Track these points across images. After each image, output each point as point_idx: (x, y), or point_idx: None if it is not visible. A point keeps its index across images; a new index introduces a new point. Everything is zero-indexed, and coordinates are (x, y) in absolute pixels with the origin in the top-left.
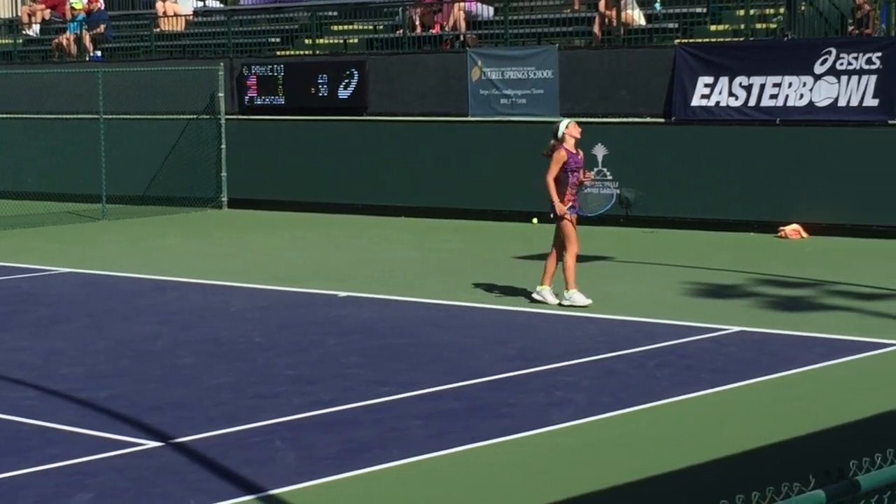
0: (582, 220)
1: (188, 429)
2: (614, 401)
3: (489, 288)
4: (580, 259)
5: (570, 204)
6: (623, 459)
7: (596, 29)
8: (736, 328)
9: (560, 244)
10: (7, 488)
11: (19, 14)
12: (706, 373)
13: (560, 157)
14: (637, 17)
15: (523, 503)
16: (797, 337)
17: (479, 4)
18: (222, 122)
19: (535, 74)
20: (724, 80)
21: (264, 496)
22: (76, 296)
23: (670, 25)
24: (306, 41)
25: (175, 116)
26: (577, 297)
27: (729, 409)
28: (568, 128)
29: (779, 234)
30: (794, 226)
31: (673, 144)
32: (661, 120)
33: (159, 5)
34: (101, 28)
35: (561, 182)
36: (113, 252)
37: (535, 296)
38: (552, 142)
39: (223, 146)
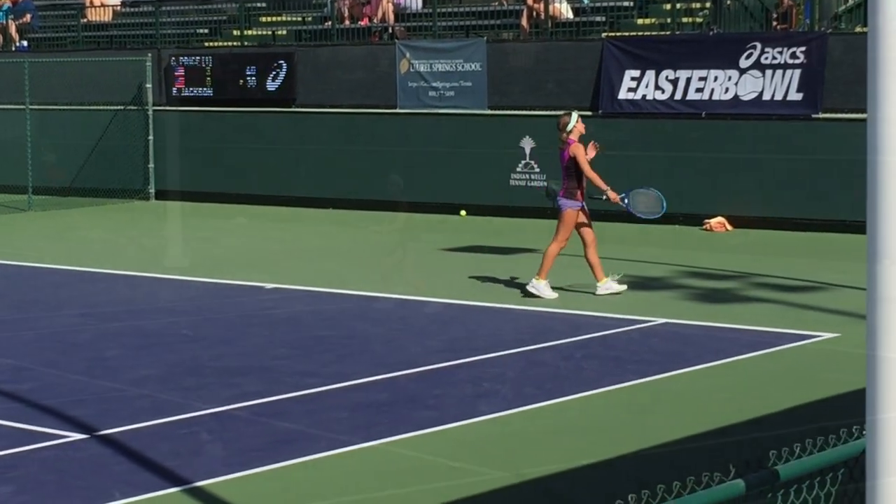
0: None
1: (113, 421)
2: (541, 392)
3: (417, 280)
4: (507, 252)
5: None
6: (549, 449)
7: (524, 22)
8: (661, 320)
9: (585, 234)
10: None
11: None
12: (632, 364)
13: (582, 148)
14: (565, 10)
15: (450, 493)
16: (721, 328)
17: None
18: (150, 113)
19: (463, 67)
20: (650, 74)
21: (190, 488)
22: (1, 287)
23: (597, 19)
24: (235, 32)
25: (102, 107)
26: (544, 289)
27: (653, 399)
28: (578, 122)
29: (704, 226)
30: (720, 218)
31: (599, 137)
32: (589, 113)
33: None
34: (28, 18)
35: (572, 176)
36: (39, 243)
37: (600, 291)
38: (563, 135)
39: (151, 137)
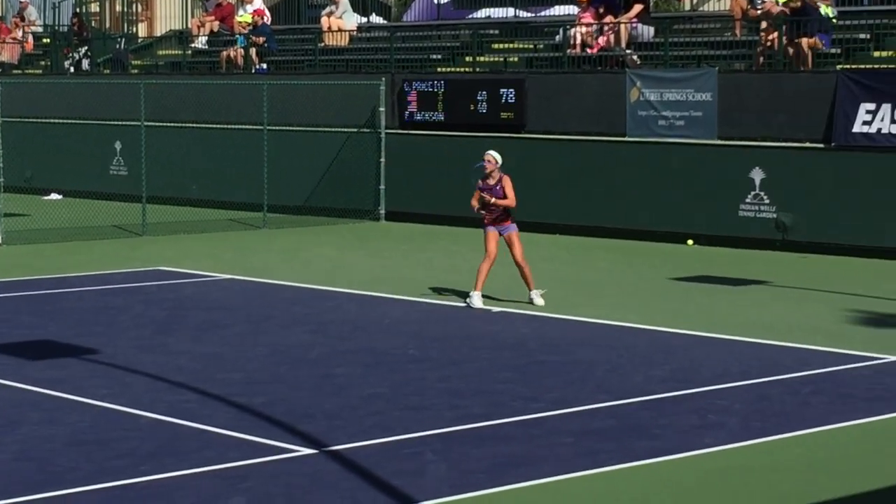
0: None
1: (341, 437)
2: (767, 426)
3: (643, 308)
4: (736, 283)
5: None
6: (775, 486)
7: (757, 53)
8: (894, 358)
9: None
10: (166, 488)
11: (189, 26)
12: (863, 402)
13: None
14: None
15: None
16: None
17: (640, 25)
18: (382, 135)
19: (693, 97)
20: (886, 107)
21: None
22: (236, 302)
23: (833, 51)
24: (467, 59)
25: (336, 129)
26: None
27: (885, 439)
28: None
29: None
30: None
31: (832, 170)
32: (821, 145)
33: (324, 20)
34: (261, 39)
35: None
36: (272, 260)
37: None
38: None
39: (382, 160)
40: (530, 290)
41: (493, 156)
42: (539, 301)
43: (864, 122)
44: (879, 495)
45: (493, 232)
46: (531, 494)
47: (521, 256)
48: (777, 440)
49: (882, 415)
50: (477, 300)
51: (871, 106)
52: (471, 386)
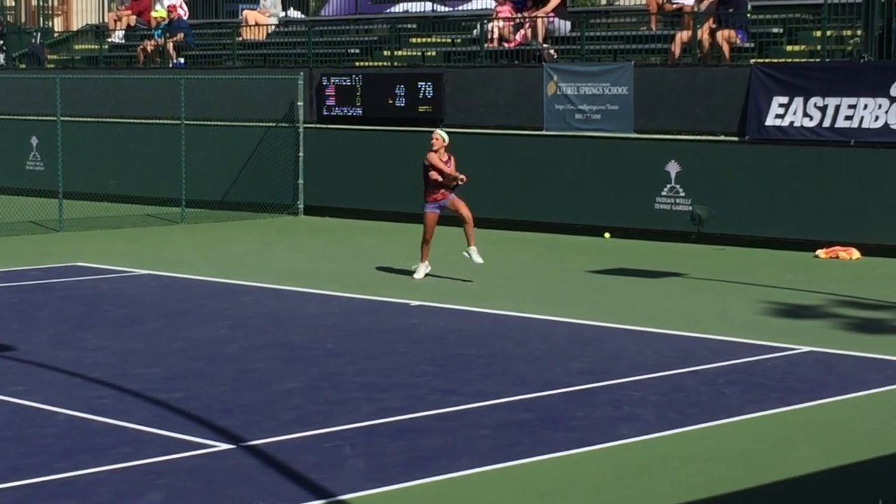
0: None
1: (259, 432)
2: (683, 417)
3: (560, 301)
4: (652, 275)
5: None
6: (691, 476)
7: (674, 47)
8: (806, 348)
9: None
10: (83, 485)
11: (105, 20)
12: (776, 392)
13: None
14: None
15: None
16: (868, 359)
17: (557, 19)
18: (301, 130)
19: (609, 90)
20: (798, 101)
21: (333, 501)
22: (153, 297)
23: (747, 45)
24: (385, 53)
25: (255, 124)
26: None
27: (798, 429)
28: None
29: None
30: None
31: (746, 163)
32: (735, 138)
33: (250, 13)
34: (181, 36)
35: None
36: (190, 255)
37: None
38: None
39: (301, 154)
40: (470, 245)
41: (440, 134)
42: (477, 258)
43: (777, 116)
44: (794, 485)
45: (432, 214)
46: (449, 487)
47: (467, 212)
48: (692, 431)
49: (795, 404)
50: (420, 272)
51: (784, 99)
52: (389, 380)
